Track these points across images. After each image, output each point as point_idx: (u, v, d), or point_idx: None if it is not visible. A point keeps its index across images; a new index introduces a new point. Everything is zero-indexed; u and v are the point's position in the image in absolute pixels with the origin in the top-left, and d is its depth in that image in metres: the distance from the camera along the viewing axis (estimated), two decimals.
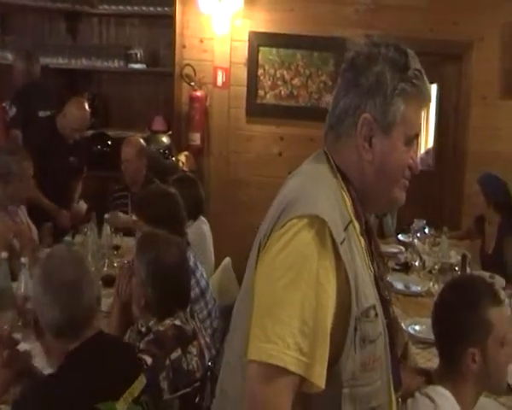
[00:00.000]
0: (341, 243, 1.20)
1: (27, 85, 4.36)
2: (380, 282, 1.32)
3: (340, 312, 1.18)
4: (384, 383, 1.27)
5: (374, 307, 1.24)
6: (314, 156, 1.40)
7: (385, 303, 1.32)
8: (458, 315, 1.67)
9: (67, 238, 3.54)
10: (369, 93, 1.27)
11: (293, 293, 1.14)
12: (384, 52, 1.29)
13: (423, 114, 1.36)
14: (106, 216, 3.37)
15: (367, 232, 1.33)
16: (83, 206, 4.16)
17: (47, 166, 3.65)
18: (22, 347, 2.27)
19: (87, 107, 4.10)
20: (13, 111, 4.22)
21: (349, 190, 1.30)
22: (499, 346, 1.64)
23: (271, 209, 1.30)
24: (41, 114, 4.15)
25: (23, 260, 2.57)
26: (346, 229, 1.23)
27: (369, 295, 1.23)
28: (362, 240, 1.28)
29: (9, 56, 4.76)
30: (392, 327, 1.34)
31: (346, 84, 1.31)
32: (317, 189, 1.26)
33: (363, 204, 1.31)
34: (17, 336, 2.31)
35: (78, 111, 4.02)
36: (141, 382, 1.67)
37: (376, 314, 1.24)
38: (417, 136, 1.34)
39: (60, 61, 4.98)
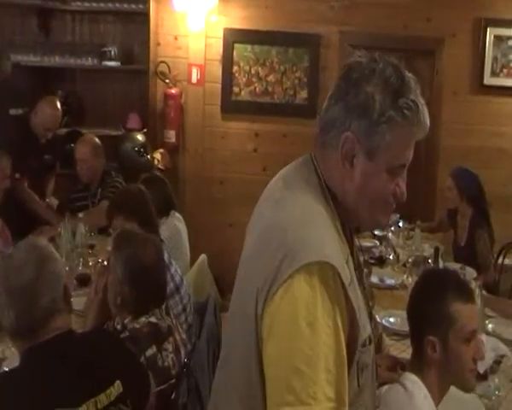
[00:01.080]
0: (349, 284, 1.17)
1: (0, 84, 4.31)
2: (368, 295, 1.32)
3: (349, 349, 1.17)
4: (371, 389, 1.30)
5: (369, 335, 1.24)
6: (301, 164, 1.32)
7: (370, 315, 1.32)
8: (423, 305, 1.71)
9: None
10: (355, 112, 1.21)
11: (314, 347, 1.10)
12: (380, 70, 1.21)
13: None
14: (80, 215, 3.34)
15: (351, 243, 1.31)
16: (54, 202, 4.12)
17: (21, 165, 3.61)
18: None
19: (59, 105, 4.06)
20: None
21: (336, 206, 1.25)
22: (462, 341, 1.68)
23: (260, 244, 1.24)
24: (12, 112, 4.10)
25: None
26: (347, 262, 1.20)
27: (366, 325, 1.23)
28: (352, 261, 1.25)
29: None
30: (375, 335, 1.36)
31: (338, 92, 1.25)
32: (317, 228, 1.19)
33: (347, 218, 1.28)
34: None
35: (50, 110, 3.98)
36: (116, 388, 1.63)
37: (371, 341, 1.25)
38: (404, 166, 1.26)
39: (32, 59, 4.91)
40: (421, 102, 1.22)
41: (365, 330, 1.22)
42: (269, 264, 1.16)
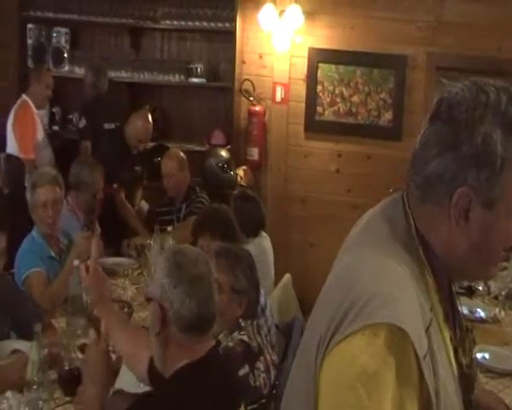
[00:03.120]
0: (424, 356, 0.99)
1: (95, 98, 4.50)
2: (466, 371, 1.13)
3: None
4: None
5: None
6: (388, 207, 1.16)
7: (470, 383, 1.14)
8: None
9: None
10: (472, 162, 1.02)
11: None
12: (494, 103, 1.02)
13: None
14: (169, 229, 3.41)
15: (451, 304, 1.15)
16: (144, 206, 4.22)
17: (114, 176, 3.73)
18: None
19: (151, 119, 4.20)
20: (83, 123, 4.37)
21: (430, 261, 1.08)
22: None
23: (331, 288, 1.12)
24: (106, 126, 4.27)
25: (75, 262, 2.62)
26: (427, 330, 1.03)
27: (449, 407, 1.06)
28: (445, 330, 1.09)
29: (78, 70, 4.92)
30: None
31: (441, 140, 1.05)
32: (393, 284, 1.03)
33: (443, 271, 1.11)
34: (88, 342, 2.36)
35: (142, 122, 4.12)
36: None
37: None
38: None
39: (123, 75, 5.11)
40: None
41: None
42: (333, 313, 1.03)
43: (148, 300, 1.78)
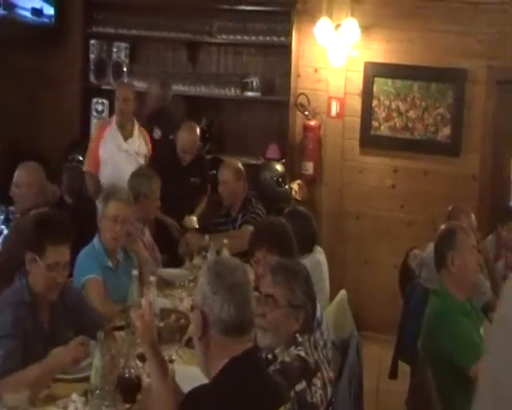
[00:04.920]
0: None
1: (162, 110, 4.60)
2: None
3: None
4: None
5: None
6: None
7: None
8: None
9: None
10: None
11: None
12: None
13: None
14: (225, 241, 3.44)
15: None
16: (192, 221, 4.24)
17: (168, 187, 3.79)
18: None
19: (198, 131, 4.25)
20: (158, 134, 4.48)
21: None
22: None
23: None
24: (170, 137, 4.36)
25: (152, 278, 2.68)
26: None
27: None
28: None
29: (137, 84, 5.04)
30: None
31: None
32: None
33: None
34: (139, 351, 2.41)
35: (187, 135, 4.19)
36: None
37: None
38: None
39: (180, 88, 5.20)
40: None
41: None
42: None
43: (193, 308, 1.86)
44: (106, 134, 4.34)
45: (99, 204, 3.15)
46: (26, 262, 2.46)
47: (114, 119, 4.36)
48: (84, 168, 4.36)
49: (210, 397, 1.66)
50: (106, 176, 4.27)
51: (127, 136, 4.34)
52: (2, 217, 4.23)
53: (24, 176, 3.66)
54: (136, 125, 4.38)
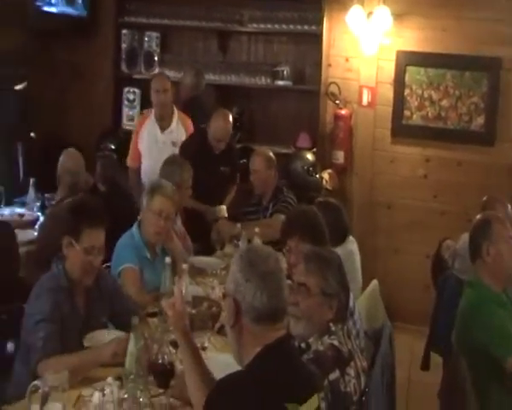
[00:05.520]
0: None
1: (195, 99, 4.62)
2: None
3: None
4: None
5: None
6: None
7: None
8: None
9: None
10: None
11: None
12: None
13: None
14: (256, 230, 3.44)
15: None
16: (221, 210, 4.25)
17: (199, 176, 3.80)
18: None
19: (231, 119, 4.24)
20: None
21: None
22: None
23: None
24: (202, 126, 4.38)
25: (184, 266, 2.70)
26: None
27: None
28: None
29: (168, 73, 5.05)
30: None
31: None
32: None
33: None
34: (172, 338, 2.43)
35: (221, 122, 4.17)
36: (314, 401, 1.68)
37: None
38: None
39: (211, 77, 5.20)
40: None
41: None
42: None
43: (225, 296, 1.85)
44: (144, 127, 4.39)
45: (143, 197, 3.16)
46: (62, 247, 2.51)
47: (150, 111, 4.40)
48: (127, 163, 4.43)
49: (242, 385, 1.67)
50: (144, 169, 4.31)
51: (165, 126, 4.36)
52: (38, 204, 4.31)
53: (69, 163, 3.80)
54: (176, 114, 4.40)
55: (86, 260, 2.47)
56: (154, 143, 4.33)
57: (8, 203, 4.45)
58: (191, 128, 4.43)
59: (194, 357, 1.98)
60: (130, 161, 4.48)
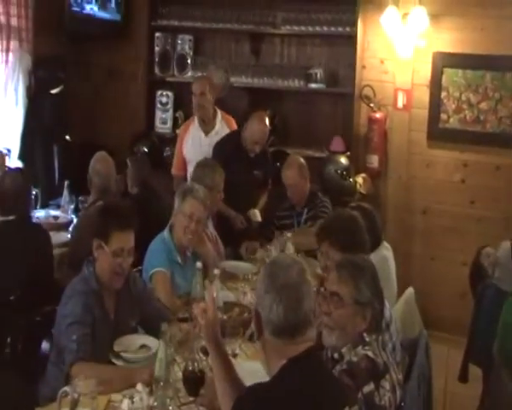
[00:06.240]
0: None
1: (222, 100, 4.59)
2: None
3: None
4: None
5: None
6: None
7: None
8: None
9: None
10: None
11: None
12: None
13: None
14: (288, 235, 3.39)
15: None
16: (256, 216, 4.21)
17: (231, 179, 3.76)
18: None
19: (267, 122, 4.18)
20: None
21: None
22: None
23: None
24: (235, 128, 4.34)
25: (216, 271, 2.66)
26: None
27: None
28: None
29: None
30: None
31: None
32: None
33: None
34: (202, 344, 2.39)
35: (258, 125, 4.11)
36: None
37: None
38: None
39: (243, 80, 5.18)
40: None
41: None
42: None
43: None
44: (188, 133, 4.37)
45: (175, 200, 3.14)
46: (93, 250, 2.51)
47: (193, 117, 4.37)
48: (172, 172, 4.43)
49: (266, 398, 1.62)
50: (190, 175, 4.27)
51: (208, 129, 4.34)
52: (72, 207, 4.35)
53: (99, 166, 3.82)
54: (219, 116, 4.37)
55: (115, 262, 2.47)
56: (199, 147, 4.29)
57: (44, 206, 4.51)
58: (234, 128, 4.38)
59: (225, 365, 1.94)
60: (175, 170, 4.45)
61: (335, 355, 2.09)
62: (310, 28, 5.05)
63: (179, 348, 2.37)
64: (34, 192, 4.38)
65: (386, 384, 2.03)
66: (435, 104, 4.83)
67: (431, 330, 2.97)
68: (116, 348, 2.42)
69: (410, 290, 3.12)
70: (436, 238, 4.85)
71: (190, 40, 5.46)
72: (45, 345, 2.74)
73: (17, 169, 4.39)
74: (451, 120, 4.84)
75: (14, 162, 4.91)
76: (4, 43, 4.82)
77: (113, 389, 2.19)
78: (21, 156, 5.01)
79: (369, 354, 2.06)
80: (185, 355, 2.31)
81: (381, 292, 2.28)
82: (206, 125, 4.34)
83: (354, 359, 2.05)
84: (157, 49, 5.49)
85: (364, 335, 2.14)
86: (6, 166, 4.53)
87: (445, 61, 4.81)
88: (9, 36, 4.82)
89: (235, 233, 3.92)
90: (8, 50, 4.85)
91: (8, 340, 2.62)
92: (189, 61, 5.43)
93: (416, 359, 2.47)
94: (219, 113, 4.39)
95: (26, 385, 2.42)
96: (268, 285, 1.69)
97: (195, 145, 4.31)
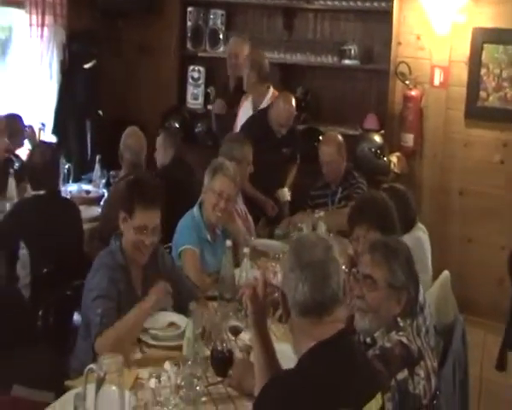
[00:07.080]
0: None
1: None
2: None
3: None
4: None
5: None
6: None
7: None
8: None
9: (278, 232, 3.58)
10: None
11: None
12: None
13: None
14: (321, 214, 3.32)
15: None
16: (285, 195, 4.14)
17: (260, 158, 3.69)
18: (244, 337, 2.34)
19: (294, 102, 4.08)
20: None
21: None
22: None
23: None
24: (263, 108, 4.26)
25: (245, 250, 2.61)
26: None
27: None
28: None
29: None
30: None
31: None
32: None
33: None
34: (239, 325, 2.36)
35: (284, 105, 4.02)
36: (377, 401, 1.56)
37: None
38: None
39: (276, 56, 5.08)
40: None
41: None
42: None
43: None
44: (241, 109, 4.33)
45: (205, 176, 3.09)
46: (119, 221, 2.50)
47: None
48: None
49: (291, 384, 1.57)
50: None
51: (257, 104, 4.27)
52: (103, 181, 4.37)
53: (130, 141, 3.81)
54: (270, 93, 4.29)
55: (138, 238, 2.46)
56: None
57: (77, 180, 4.55)
58: None
59: (268, 353, 1.90)
60: None
61: (368, 340, 2.03)
62: (344, 3, 4.93)
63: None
64: (67, 166, 4.42)
65: (421, 372, 1.96)
66: (474, 82, 4.67)
67: (466, 315, 2.88)
68: (144, 325, 2.40)
69: (445, 274, 3.03)
70: (473, 221, 4.71)
71: (222, 15, 5.38)
72: (77, 317, 2.77)
73: (49, 143, 4.42)
74: (491, 98, 4.66)
75: (48, 137, 4.96)
76: (40, 17, 4.89)
77: (138, 328, 2.30)
78: (55, 131, 5.06)
79: (404, 339, 2.00)
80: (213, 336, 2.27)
81: (416, 276, 2.20)
82: (256, 100, 4.25)
83: (387, 344, 1.98)
84: (189, 23, 5.44)
85: (398, 319, 2.07)
86: (38, 141, 4.56)
87: (485, 37, 4.63)
88: (44, 11, 4.90)
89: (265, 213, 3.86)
90: (43, 25, 4.93)
91: (40, 313, 2.63)
92: (221, 36, 5.36)
93: (452, 345, 2.39)
94: (271, 90, 4.30)
95: (58, 358, 2.44)
96: (293, 264, 1.65)
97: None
